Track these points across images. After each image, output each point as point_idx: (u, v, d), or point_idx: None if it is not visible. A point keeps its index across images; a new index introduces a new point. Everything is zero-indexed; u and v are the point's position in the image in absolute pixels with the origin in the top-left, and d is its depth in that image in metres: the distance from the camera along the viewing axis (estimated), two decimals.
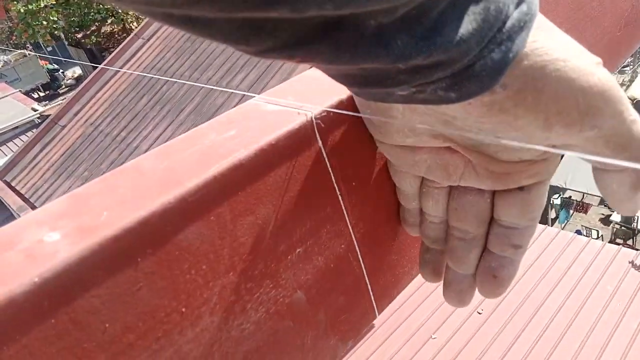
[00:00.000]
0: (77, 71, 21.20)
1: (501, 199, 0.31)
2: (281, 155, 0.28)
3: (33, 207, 7.28)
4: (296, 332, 0.31)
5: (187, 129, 6.37)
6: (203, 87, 7.14)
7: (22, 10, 14.93)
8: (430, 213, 0.35)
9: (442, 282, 0.38)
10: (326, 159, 0.31)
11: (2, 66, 18.26)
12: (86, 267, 0.21)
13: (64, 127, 8.30)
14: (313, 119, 0.29)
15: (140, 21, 16.83)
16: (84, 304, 0.21)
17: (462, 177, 0.31)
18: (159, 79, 7.92)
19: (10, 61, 18.60)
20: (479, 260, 0.34)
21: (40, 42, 18.26)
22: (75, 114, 8.33)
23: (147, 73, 8.21)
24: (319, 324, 0.32)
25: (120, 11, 16.54)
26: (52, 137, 8.30)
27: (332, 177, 0.31)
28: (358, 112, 0.31)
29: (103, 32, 18.18)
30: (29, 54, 19.10)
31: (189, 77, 7.48)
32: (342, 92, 0.32)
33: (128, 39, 9.11)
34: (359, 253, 0.34)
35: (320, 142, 0.30)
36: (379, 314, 0.37)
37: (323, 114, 0.30)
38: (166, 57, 8.28)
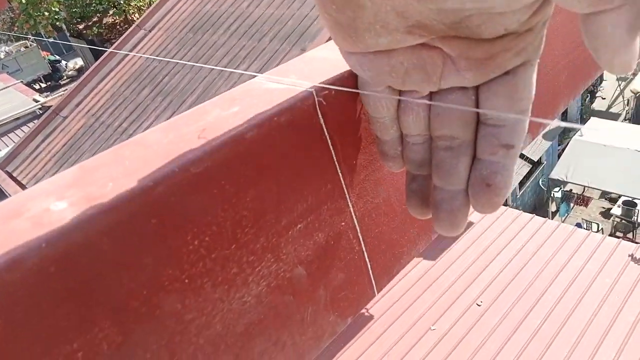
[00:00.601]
0: (79, 62, 21.16)
1: (486, 91, 0.30)
2: (283, 131, 0.29)
3: None
4: (296, 306, 0.31)
5: None
6: (204, 79, 7.12)
7: (23, 1, 14.89)
8: (411, 133, 0.33)
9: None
10: (327, 137, 0.31)
11: (3, 57, 18.22)
12: (92, 233, 0.22)
13: (65, 118, 8.30)
14: (315, 96, 0.30)
15: (142, 12, 16.77)
16: (89, 270, 0.22)
17: (443, 77, 0.29)
18: (160, 70, 7.91)
19: (12, 52, 18.56)
20: (470, 173, 0.32)
21: (42, 33, 18.20)
22: (77, 105, 8.33)
23: (150, 64, 8.20)
24: (318, 300, 0.33)
25: (122, 2, 16.48)
26: (54, 128, 8.31)
27: (333, 155, 0.32)
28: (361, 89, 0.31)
29: (105, 23, 18.12)
30: (30, 45, 19.05)
31: (191, 68, 7.47)
32: (343, 69, 0.32)
33: (130, 30, 9.08)
34: (358, 231, 0.35)
35: (322, 120, 0.30)
36: (378, 292, 0.38)
37: (325, 92, 0.30)
38: (168, 47, 8.26)
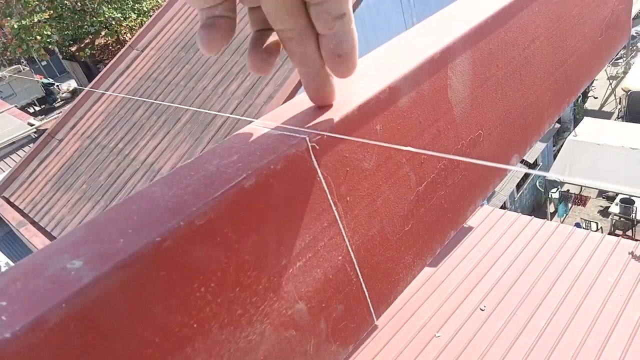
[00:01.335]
0: (72, 84, 21.21)
1: None
2: (280, 178, 0.30)
3: (32, 222, 7.28)
4: (299, 340, 0.33)
5: (184, 138, 6.35)
6: (198, 96, 7.16)
7: (15, 26, 14.96)
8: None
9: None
10: (322, 178, 0.33)
11: None
12: (107, 290, 0.23)
13: (60, 141, 8.31)
14: (308, 142, 0.32)
15: (134, 32, 16.86)
16: (105, 324, 0.24)
17: None
18: (154, 89, 7.95)
19: (5, 76, 18.61)
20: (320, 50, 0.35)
21: (35, 57, 18.28)
22: (72, 128, 8.34)
23: (144, 83, 8.24)
24: (320, 332, 0.34)
25: (114, 23, 16.58)
26: (50, 151, 8.32)
27: (328, 195, 0.34)
28: (351, 134, 0.33)
29: (97, 45, 18.21)
30: (24, 69, 19.10)
31: (185, 86, 7.50)
32: (334, 115, 0.34)
33: (122, 50, 9.13)
34: (355, 263, 0.37)
35: (315, 163, 0.32)
36: (377, 319, 0.39)
37: (317, 137, 0.32)
38: (161, 67, 8.30)
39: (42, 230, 7.00)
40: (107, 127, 7.84)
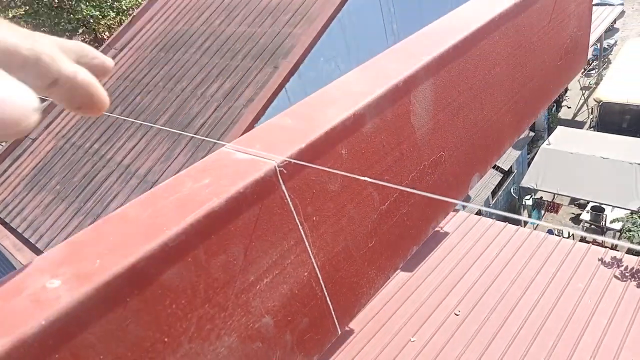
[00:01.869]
0: None
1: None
2: (249, 201, 0.33)
3: (3, 223, 7.12)
4: (265, 352, 0.35)
5: (162, 139, 6.29)
6: (177, 98, 7.11)
7: None
8: None
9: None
10: (289, 200, 0.35)
11: None
12: (84, 309, 0.25)
13: (34, 140, 8.15)
14: (277, 167, 0.34)
15: (113, 31, 16.62)
16: (82, 341, 0.25)
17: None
18: (132, 89, 7.86)
19: None
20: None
21: None
22: (46, 127, 8.19)
23: (121, 83, 8.14)
24: (285, 344, 0.37)
25: (91, 21, 16.31)
26: (22, 150, 8.14)
27: (295, 215, 0.36)
28: (317, 160, 0.36)
29: None
30: None
31: (163, 87, 7.44)
32: (302, 141, 0.36)
33: (100, 49, 8.99)
34: (320, 279, 0.39)
35: (283, 187, 0.35)
36: (341, 330, 0.42)
37: (285, 163, 0.34)
38: (139, 67, 8.22)
39: (13, 231, 6.84)
40: (83, 126, 7.72)
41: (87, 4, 16.03)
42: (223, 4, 8.39)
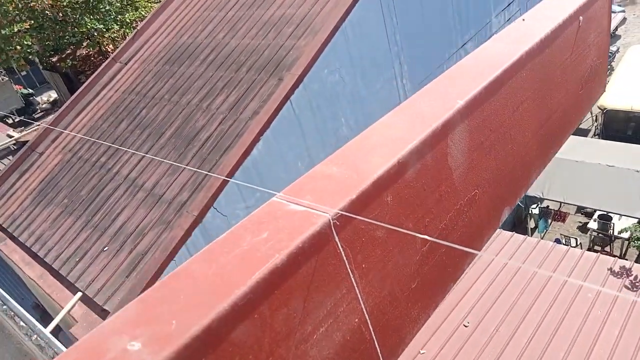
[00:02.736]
0: (53, 95, 20.95)
1: None
2: (307, 255, 0.34)
3: (12, 238, 7.14)
4: None
5: (168, 152, 6.31)
6: (182, 111, 7.15)
7: None
8: None
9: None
10: (341, 251, 0.37)
11: None
12: None
13: (41, 154, 8.19)
14: (331, 220, 0.35)
15: (117, 43, 16.77)
16: None
17: None
18: (138, 102, 7.91)
19: None
20: None
21: (14, 67, 18.03)
22: (53, 141, 8.24)
23: (127, 96, 8.20)
24: None
25: (96, 34, 16.46)
26: (30, 164, 8.19)
27: (347, 264, 0.37)
28: (366, 209, 0.37)
29: (78, 55, 18.04)
30: (2, 79, 18.81)
31: (169, 100, 7.48)
32: (352, 192, 0.38)
33: (105, 63, 9.07)
34: (369, 324, 0.40)
35: (336, 238, 0.36)
36: None
37: (338, 215, 0.36)
38: (145, 80, 8.27)
39: (21, 245, 6.86)
40: (90, 140, 7.76)
41: (91, 17, 16.20)
42: (227, 17, 8.46)
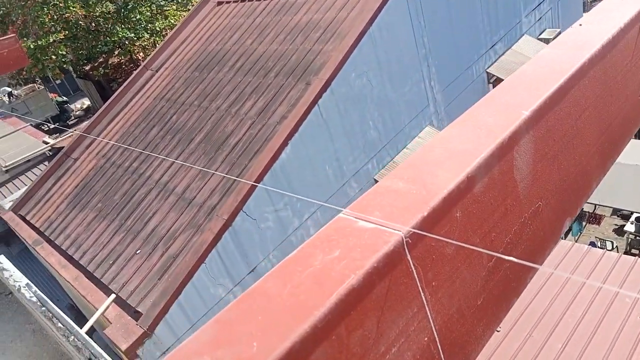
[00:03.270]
0: (86, 102, 21.53)
1: None
2: (381, 274, 0.33)
3: (48, 241, 7.35)
4: None
5: (199, 157, 6.40)
6: (212, 116, 7.25)
7: (32, 46, 15.27)
8: None
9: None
10: (413, 269, 0.36)
11: (13, 100, 18.61)
12: None
13: (76, 159, 8.43)
14: (404, 238, 0.34)
15: (147, 51, 17.14)
16: None
17: None
18: (168, 109, 8.06)
19: (21, 95, 18.96)
20: None
21: (50, 76, 18.60)
22: (87, 147, 8.46)
23: (158, 103, 8.36)
24: None
25: (127, 42, 16.85)
26: (65, 170, 8.42)
27: (418, 283, 0.36)
28: (437, 226, 0.36)
29: (110, 64, 18.50)
30: (38, 87, 19.45)
31: (198, 106, 7.59)
32: (423, 208, 0.37)
33: (137, 71, 9.28)
34: (438, 342, 0.39)
35: (409, 256, 0.35)
36: None
37: (411, 233, 0.35)
38: (175, 86, 8.42)
39: (57, 248, 7.06)
40: (123, 146, 7.94)
41: (123, 26, 16.61)
42: (254, 24, 8.54)
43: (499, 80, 9.00)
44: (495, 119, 0.45)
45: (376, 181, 7.48)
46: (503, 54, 9.08)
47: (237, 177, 5.92)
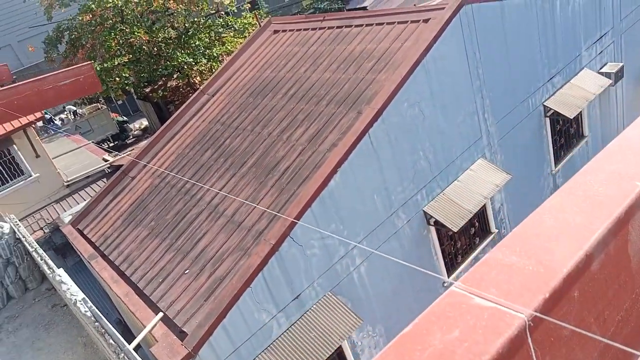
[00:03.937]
0: (144, 122, 22.54)
1: None
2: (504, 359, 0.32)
3: (103, 255, 7.63)
4: None
5: (249, 181, 6.51)
6: (264, 141, 7.40)
7: (98, 68, 16.23)
8: None
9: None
10: (533, 354, 0.34)
11: (78, 119, 19.76)
12: None
13: (133, 178, 8.78)
14: (527, 322, 0.33)
15: (204, 76, 17.84)
16: None
17: None
18: (222, 132, 8.30)
19: (85, 114, 20.11)
20: None
21: (112, 97, 19.65)
22: (144, 166, 8.81)
23: (212, 126, 8.64)
24: None
25: (185, 67, 17.62)
26: (122, 187, 8.79)
27: None
28: (556, 307, 0.35)
29: (169, 86, 19.36)
30: (101, 107, 20.55)
31: (251, 130, 7.78)
32: (541, 288, 0.36)
33: (194, 95, 9.65)
34: None
35: (529, 340, 0.34)
36: None
37: (533, 316, 0.34)
38: (230, 111, 8.68)
39: (111, 263, 7.32)
40: (177, 167, 8.23)
41: (182, 52, 17.40)
42: (308, 52, 8.73)
43: (556, 114, 8.73)
44: (607, 189, 0.44)
45: (425, 213, 7.33)
46: (561, 87, 8.82)
47: (277, 213, 5.96)
